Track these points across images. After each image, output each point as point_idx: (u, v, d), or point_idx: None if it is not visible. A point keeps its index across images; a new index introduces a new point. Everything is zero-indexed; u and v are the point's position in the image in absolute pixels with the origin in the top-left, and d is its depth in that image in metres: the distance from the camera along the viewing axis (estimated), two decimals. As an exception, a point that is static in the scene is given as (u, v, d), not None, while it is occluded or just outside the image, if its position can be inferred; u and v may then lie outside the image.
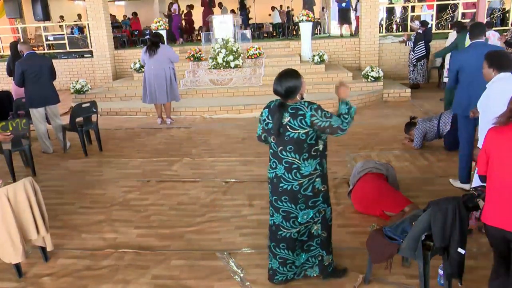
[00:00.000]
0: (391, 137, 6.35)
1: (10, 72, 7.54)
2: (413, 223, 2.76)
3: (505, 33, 8.79)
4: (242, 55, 9.88)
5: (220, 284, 3.09)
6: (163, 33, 10.19)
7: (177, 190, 4.82)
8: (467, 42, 6.45)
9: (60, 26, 14.79)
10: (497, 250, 2.39)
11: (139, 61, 9.93)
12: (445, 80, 8.41)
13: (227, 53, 9.64)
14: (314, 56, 9.84)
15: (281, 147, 2.75)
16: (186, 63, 10.11)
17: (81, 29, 15.74)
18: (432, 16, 12.27)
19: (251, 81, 9.57)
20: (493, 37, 7.65)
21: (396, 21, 14.55)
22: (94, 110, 6.41)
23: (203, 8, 15.13)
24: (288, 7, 16.08)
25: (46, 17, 14.45)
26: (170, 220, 4.11)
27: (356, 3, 13.22)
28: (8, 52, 10.27)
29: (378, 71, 9.10)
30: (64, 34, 12.99)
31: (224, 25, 10.24)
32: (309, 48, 10.68)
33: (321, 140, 2.77)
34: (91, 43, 11.75)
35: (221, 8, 16.30)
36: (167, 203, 4.48)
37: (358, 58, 11.35)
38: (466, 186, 4.26)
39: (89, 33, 11.75)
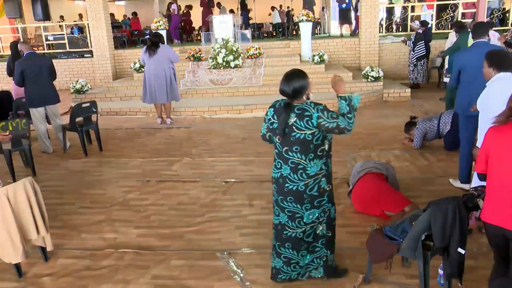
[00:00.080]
0: (391, 137, 6.35)
1: (10, 72, 7.54)
2: (413, 223, 2.76)
3: (505, 33, 8.78)
4: (242, 55, 9.89)
5: (220, 284, 3.09)
6: (163, 33, 10.19)
7: (177, 190, 4.82)
8: (470, 41, 6.45)
9: (60, 26, 14.79)
10: (497, 248, 2.39)
11: (139, 61, 9.93)
12: (445, 80, 8.41)
13: (227, 53, 9.64)
14: (314, 56, 9.84)
15: (286, 147, 2.75)
16: (186, 63, 10.12)
17: (81, 29, 15.74)
18: (432, 16, 12.27)
19: (251, 81, 9.57)
20: (493, 37, 7.64)
21: (396, 21, 14.55)
22: (94, 110, 6.41)
23: (202, 8, 15.12)
24: (288, 7, 16.09)
25: (46, 17, 14.45)
26: (170, 220, 4.11)
27: (356, 2, 13.22)
28: (8, 52, 10.26)
29: (378, 71, 9.10)
30: (64, 34, 13.00)
31: (224, 25, 10.24)
32: (309, 48, 10.68)
33: (326, 140, 2.77)
34: (91, 43, 11.75)
35: (219, 8, 16.29)
36: (167, 203, 4.48)
37: (358, 58, 11.35)
38: (466, 186, 4.26)
39: (89, 33, 11.75)
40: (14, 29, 15.18)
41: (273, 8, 17.69)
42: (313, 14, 12.34)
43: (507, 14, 12.11)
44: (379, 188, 3.98)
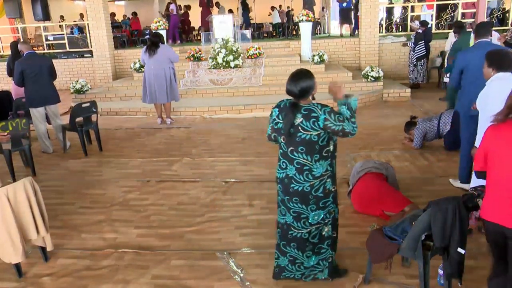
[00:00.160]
0: (391, 137, 6.35)
1: (10, 72, 7.54)
2: (413, 223, 2.76)
3: (504, 33, 8.78)
4: (242, 55, 9.89)
5: (220, 284, 3.09)
6: (163, 33, 10.19)
7: (177, 190, 4.82)
8: (471, 42, 6.45)
9: (60, 26, 14.79)
10: (495, 246, 2.40)
11: (139, 61, 9.93)
12: (445, 80, 8.41)
13: (227, 53, 9.64)
14: (314, 56, 9.84)
15: (291, 148, 2.74)
16: (186, 63, 10.12)
17: (81, 29, 15.74)
18: (432, 16, 12.27)
19: (251, 81, 9.57)
20: (492, 37, 7.64)
21: (396, 21, 14.56)
22: (94, 110, 6.41)
23: (201, 8, 15.13)
24: (288, 7, 16.09)
25: (46, 17, 14.45)
26: (170, 220, 4.11)
27: (356, 2, 13.21)
28: (8, 52, 10.27)
29: (378, 71, 9.10)
30: (64, 34, 13.00)
31: (224, 25, 10.24)
32: (309, 48, 10.68)
33: (331, 141, 2.77)
34: (91, 43, 11.75)
35: (218, 8, 16.28)
36: (167, 203, 4.48)
37: (358, 58, 11.35)
38: (466, 186, 4.26)
39: (89, 33, 11.75)
40: (14, 29, 15.18)
41: (273, 8, 17.69)
42: (313, 14, 12.35)
43: (507, 14, 12.11)
44: (379, 188, 3.98)
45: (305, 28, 10.65)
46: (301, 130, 2.67)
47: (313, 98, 2.79)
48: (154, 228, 3.97)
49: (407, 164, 5.26)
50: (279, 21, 16.64)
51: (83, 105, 6.31)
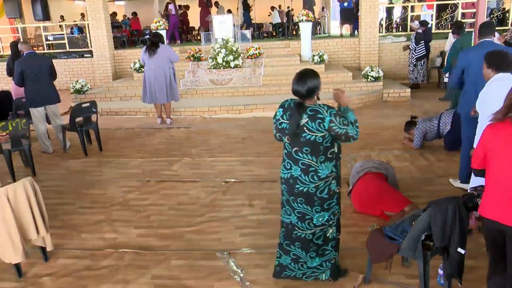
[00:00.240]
0: (391, 137, 6.35)
1: (10, 72, 7.54)
2: (413, 223, 2.76)
3: (504, 33, 8.79)
4: (242, 55, 9.89)
5: (220, 284, 3.09)
6: (163, 33, 10.19)
7: (177, 190, 4.82)
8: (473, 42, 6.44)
9: (60, 26, 14.79)
10: (494, 244, 2.41)
11: (138, 61, 9.93)
12: (445, 80, 8.41)
13: (227, 53, 9.64)
14: (314, 56, 9.84)
15: (296, 148, 2.74)
16: (186, 63, 10.12)
17: (81, 29, 15.74)
18: (432, 16, 12.27)
19: (251, 81, 9.57)
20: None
21: (396, 21, 14.55)
22: (94, 110, 6.41)
23: (200, 8, 15.13)
24: (288, 7, 16.09)
25: (46, 17, 14.44)
26: (170, 220, 4.11)
27: (356, 1, 13.20)
28: (8, 52, 10.26)
29: (378, 71, 9.10)
30: (64, 34, 13.00)
31: (223, 25, 10.24)
32: (309, 48, 10.68)
33: (336, 143, 2.77)
34: (91, 43, 11.75)
35: (217, 8, 16.28)
36: (167, 203, 4.48)
37: (358, 58, 11.36)
38: (466, 186, 4.25)
39: (89, 33, 11.75)
40: (14, 29, 15.18)
41: (272, 8, 17.69)
42: (313, 14, 12.34)
43: (506, 14, 12.11)
44: (378, 188, 3.98)
45: (305, 28, 10.64)
46: (306, 130, 2.67)
47: (318, 98, 2.79)
48: (154, 228, 3.97)
49: (407, 164, 5.26)
50: (279, 21, 16.63)
51: (83, 105, 6.31)
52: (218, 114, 8.27)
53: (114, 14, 17.64)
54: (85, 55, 12.43)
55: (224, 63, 9.67)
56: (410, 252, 2.72)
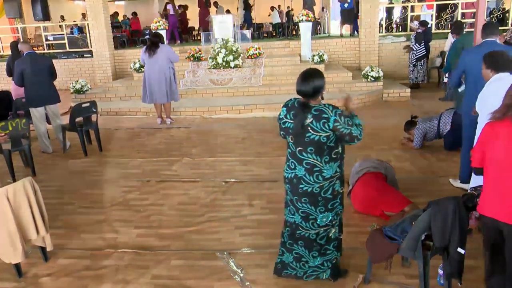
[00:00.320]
0: (391, 137, 6.35)
1: (10, 72, 7.54)
2: (413, 223, 2.76)
3: (504, 33, 8.78)
4: (242, 55, 9.88)
5: (220, 284, 3.09)
6: (163, 33, 10.19)
7: (177, 190, 4.82)
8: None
9: (60, 26, 14.79)
10: (492, 243, 2.41)
11: (138, 61, 9.92)
12: (445, 80, 8.40)
13: (227, 53, 9.64)
14: (314, 56, 9.83)
15: (300, 148, 2.74)
16: (186, 63, 10.11)
17: (81, 29, 15.74)
18: (432, 16, 12.27)
19: (251, 81, 9.57)
20: (493, 37, 7.62)
21: (396, 21, 14.55)
22: (94, 110, 6.41)
23: (199, 8, 15.11)
24: (288, 7, 16.08)
25: (46, 17, 14.44)
26: (170, 220, 4.11)
27: (357, 2, 13.20)
28: (8, 52, 10.26)
29: (378, 71, 9.10)
30: (64, 34, 13.00)
31: (223, 25, 10.24)
32: (309, 48, 10.68)
33: (340, 143, 2.77)
34: (91, 43, 11.75)
35: (216, 8, 16.26)
36: (167, 203, 4.48)
37: (358, 58, 11.35)
38: (466, 186, 4.25)
39: (89, 33, 11.75)
40: (14, 29, 15.17)
41: (272, 8, 17.68)
42: (313, 14, 12.33)
43: (506, 14, 12.11)
44: (378, 188, 3.98)
45: (305, 28, 10.64)
46: (310, 130, 2.67)
47: (322, 98, 2.79)
48: (154, 228, 3.97)
49: (407, 164, 5.26)
50: (279, 21, 16.62)
51: (83, 105, 6.31)
52: (218, 114, 8.27)
53: (115, 14, 17.66)
54: (85, 55, 12.43)
55: (224, 63, 9.67)
56: (410, 252, 2.72)
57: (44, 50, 13.70)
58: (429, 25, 10.60)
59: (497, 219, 2.33)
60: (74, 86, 9.55)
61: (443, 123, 5.60)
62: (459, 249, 2.59)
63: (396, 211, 3.74)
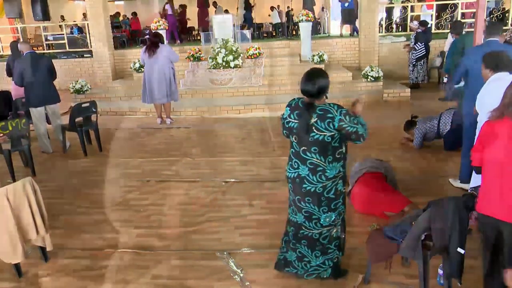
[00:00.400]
0: (391, 137, 6.35)
1: (10, 72, 7.54)
2: (413, 223, 2.76)
3: (504, 33, 8.78)
4: (241, 55, 9.88)
5: (220, 284, 3.09)
6: (163, 33, 10.18)
7: (177, 190, 4.82)
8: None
9: (60, 26, 14.78)
10: (490, 242, 2.42)
11: (138, 61, 9.92)
12: (445, 80, 8.39)
13: (226, 53, 9.64)
14: (314, 56, 9.84)
15: (304, 148, 2.73)
16: (186, 63, 10.11)
17: (80, 29, 15.73)
18: (432, 16, 12.27)
19: (250, 81, 9.57)
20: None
21: (396, 21, 14.55)
22: (94, 110, 6.41)
23: (198, 8, 15.09)
24: (288, 7, 16.07)
25: (46, 17, 14.42)
26: (170, 220, 4.11)
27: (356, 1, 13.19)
28: (8, 52, 10.26)
29: (377, 71, 9.10)
30: (64, 34, 13.00)
31: (223, 25, 10.24)
32: (309, 48, 10.68)
33: (344, 143, 2.77)
34: (90, 43, 11.74)
35: (215, 8, 16.26)
36: (167, 203, 4.48)
37: (358, 58, 11.35)
38: (466, 186, 4.26)
39: (89, 33, 11.75)
40: (14, 29, 15.15)
41: (272, 8, 17.68)
42: (313, 14, 12.33)
43: (506, 14, 12.11)
44: (378, 188, 3.98)
45: (305, 28, 10.64)
46: (314, 130, 2.66)
47: (326, 97, 2.79)
48: (154, 228, 3.98)
49: (407, 164, 5.26)
50: (279, 21, 16.61)
51: (83, 105, 6.31)
52: (218, 114, 8.27)
53: (117, 14, 17.65)
54: (85, 55, 12.43)
55: (224, 63, 9.67)
56: (410, 252, 2.72)
57: (44, 50, 13.70)
58: (429, 25, 10.59)
59: (495, 217, 2.33)
60: (74, 86, 9.56)
61: (443, 123, 5.60)
62: (459, 249, 2.59)
63: (396, 211, 3.74)
